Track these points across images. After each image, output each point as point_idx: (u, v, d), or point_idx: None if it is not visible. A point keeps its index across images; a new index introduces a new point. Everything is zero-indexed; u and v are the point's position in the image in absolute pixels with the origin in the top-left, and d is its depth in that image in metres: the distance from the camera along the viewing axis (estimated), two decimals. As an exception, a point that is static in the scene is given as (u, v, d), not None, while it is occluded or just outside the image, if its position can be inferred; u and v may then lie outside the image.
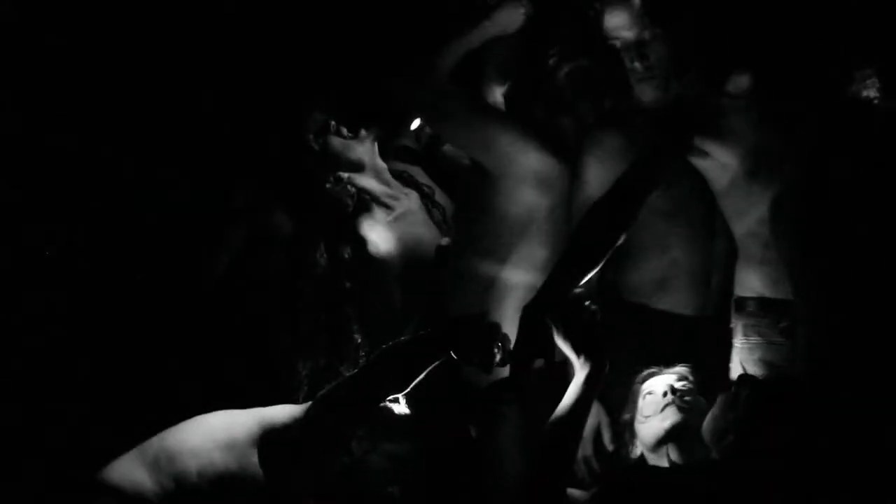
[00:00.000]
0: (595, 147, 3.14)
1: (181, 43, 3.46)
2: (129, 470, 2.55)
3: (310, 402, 2.62)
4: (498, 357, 2.63)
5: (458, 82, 3.20)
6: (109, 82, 3.45)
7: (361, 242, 3.33)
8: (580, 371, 2.64)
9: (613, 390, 3.00)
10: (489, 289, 3.14)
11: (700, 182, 3.00)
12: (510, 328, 2.69)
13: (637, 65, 3.06)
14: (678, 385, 2.88)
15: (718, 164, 2.88)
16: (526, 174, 3.12)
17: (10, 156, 3.36)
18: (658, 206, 3.04)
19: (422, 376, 2.63)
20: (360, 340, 3.15)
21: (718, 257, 3.12)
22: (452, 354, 2.62)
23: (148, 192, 3.39)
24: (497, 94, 3.28)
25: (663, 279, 3.15)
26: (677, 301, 3.15)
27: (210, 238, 3.33)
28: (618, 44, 3.07)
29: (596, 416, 3.08)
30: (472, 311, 2.92)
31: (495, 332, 2.65)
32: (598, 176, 3.05)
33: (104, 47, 3.44)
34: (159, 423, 2.81)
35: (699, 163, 2.92)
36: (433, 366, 2.63)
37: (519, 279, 3.12)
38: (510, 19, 3.20)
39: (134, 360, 3.25)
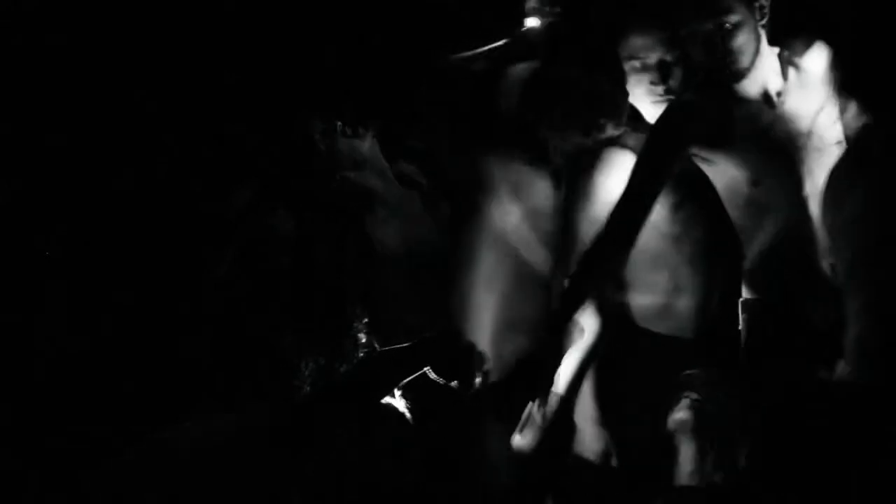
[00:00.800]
0: (604, 164, 3.14)
1: (181, 42, 3.45)
2: (122, 482, 2.54)
3: (293, 405, 2.63)
4: (478, 378, 2.65)
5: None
6: (111, 81, 3.44)
7: (366, 242, 3.33)
8: None
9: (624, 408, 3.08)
10: (478, 289, 3.16)
11: (703, 204, 3.00)
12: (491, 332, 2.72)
13: (659, 87, 3.04)
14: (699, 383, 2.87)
15: (723, 171, 2.87)
16: (496, 183, 3.14)
17: (10, 155, 3.36)
18: (666, 229, 3.06)
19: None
20: (363, 340, 3.14)
21: (718, 279, 3.14)
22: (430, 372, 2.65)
23: (149, 193, 3.38)
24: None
25: (668, 303, 3.16)
26: (679, 325, 3.16)
27: (212, 238, 3.32)
28: (637, 65, 3.05)
29: (603, 441, 3.09)
30: (450, 328, 2.96)
31: (470, 352, 2.67)
32: (608, 191, 3.05)
33: (105, 45, 3.43)
34: (159, 422, 2.83)
35: (707, 170, 2.91)
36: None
37: (504, 284, 3.14)
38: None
39: (133, 358, 3.24)
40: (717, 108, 2.84)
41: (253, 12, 3.49)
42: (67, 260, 3.35)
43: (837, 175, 2.84)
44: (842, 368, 2.73)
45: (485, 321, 3.10)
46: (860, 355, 2.72)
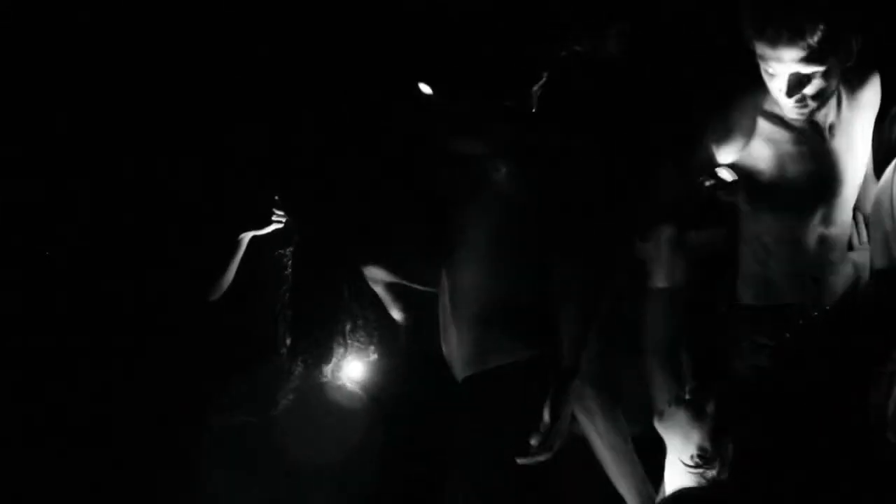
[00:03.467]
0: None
1: (183, 41, 3.45)
2: None
3: None
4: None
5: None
6: (115, 82, 3.45)
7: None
8: None
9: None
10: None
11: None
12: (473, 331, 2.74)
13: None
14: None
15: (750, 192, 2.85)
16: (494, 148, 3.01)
17: (10, 155, 3.37)
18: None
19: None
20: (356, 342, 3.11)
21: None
22: None
23: (150, 194, 3.40)
24: None
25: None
26: None
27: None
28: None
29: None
30: None
31: None
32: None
33: (109, 44, 3.43)
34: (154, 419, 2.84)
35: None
36: None
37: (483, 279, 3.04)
38: None
39: (128, 356, 3.26)
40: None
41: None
42: (68, 259, 3.37)
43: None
44: None
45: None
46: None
